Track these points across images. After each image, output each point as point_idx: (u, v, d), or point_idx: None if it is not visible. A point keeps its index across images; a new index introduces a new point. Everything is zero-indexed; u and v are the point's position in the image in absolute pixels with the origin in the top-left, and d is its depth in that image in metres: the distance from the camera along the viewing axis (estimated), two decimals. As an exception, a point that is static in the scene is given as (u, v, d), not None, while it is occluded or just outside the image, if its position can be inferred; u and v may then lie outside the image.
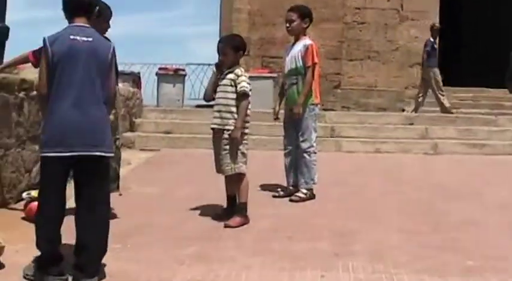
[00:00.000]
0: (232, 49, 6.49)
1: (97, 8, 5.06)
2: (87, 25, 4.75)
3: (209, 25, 58.36)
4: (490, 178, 9.57)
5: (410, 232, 6.22)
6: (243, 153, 6.42)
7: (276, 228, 6.31)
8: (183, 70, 16.85)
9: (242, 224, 6.31)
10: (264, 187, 8.18)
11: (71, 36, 4.60)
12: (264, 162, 9.73)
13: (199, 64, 20.87)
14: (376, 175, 9.23)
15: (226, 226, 6.24)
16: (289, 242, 5.82)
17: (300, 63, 7.71)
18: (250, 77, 12.94)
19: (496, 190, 8.61)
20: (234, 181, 6.47)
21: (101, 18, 5.65)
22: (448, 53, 20.88)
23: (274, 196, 7.75)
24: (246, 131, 6.47)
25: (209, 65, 21.44)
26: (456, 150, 11.91)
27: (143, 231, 6.12)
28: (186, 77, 17.17)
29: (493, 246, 5.83)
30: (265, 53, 16.55)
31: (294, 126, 7.81)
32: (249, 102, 6.43)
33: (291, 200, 7.56)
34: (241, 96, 6.40)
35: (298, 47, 7.77)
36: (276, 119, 8.14)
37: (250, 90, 6.48)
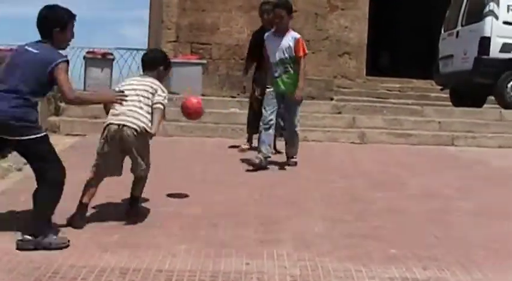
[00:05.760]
0: None
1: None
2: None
3: (141, 9, 57.88)
4: (415, 168, 9.71)
5: (335, 221, 6.28)
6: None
7: (202, 215, 6.30)
8: (111, 54, 16.65)
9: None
10: (193, 174, 8.15)
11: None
12: (192, 148, 9.70)
13: (128, 49, 20.68)
14: (303, 163, 9.25)
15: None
16: (215, 229, 5.82)
17: (291, 54, 8.73)
18: (179, 63, 12.89)
19: (420, 179, 8.73)
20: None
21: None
22: (378, 44, 21.15)
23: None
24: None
25: (138, 50, 21.28)
26: (383, 139, 12.03)
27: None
28: (114, 62, 16.99)
29: (416, 234, 5.94)
30: (195, 39, 16.44)
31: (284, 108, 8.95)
32: None
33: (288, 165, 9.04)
34: None
35: (287, 39, 8.78)
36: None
37: None
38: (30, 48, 5.41)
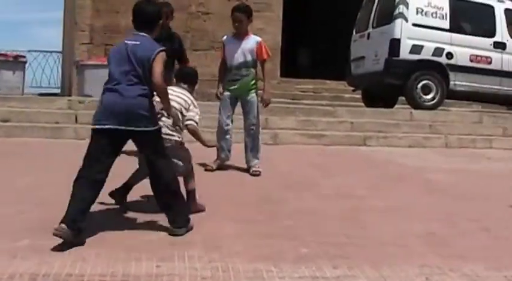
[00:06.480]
0: None
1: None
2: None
3: (54, 11, 56.97)
4: (327, 168, 9.81)
5: (247, 221, 6.32)
6: None
7: (111, 219, 6.25)
8: (24, 57, 16.43)
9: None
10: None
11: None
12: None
13: (41, 51, 20.44)
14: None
15: None
16: (126, 233, 5.78)
17: (253, 57, 8.87)
18: (94, 66, 12.83)
19: (333, 179, 8.86)
20: None
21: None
22: (292, 46, 21.33)
23: None
24: None
25: (51, 52, 21.03)
26: (296, 140, 12.12)
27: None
28: (27, 64, 16.77)
29: (328, 234, 6.00)
30: (109, 41, 16.33)
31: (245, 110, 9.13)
32: None
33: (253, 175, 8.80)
34: None
35: (250, 42, 8.87)
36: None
37: None
38: (130, 42, 5.75)
